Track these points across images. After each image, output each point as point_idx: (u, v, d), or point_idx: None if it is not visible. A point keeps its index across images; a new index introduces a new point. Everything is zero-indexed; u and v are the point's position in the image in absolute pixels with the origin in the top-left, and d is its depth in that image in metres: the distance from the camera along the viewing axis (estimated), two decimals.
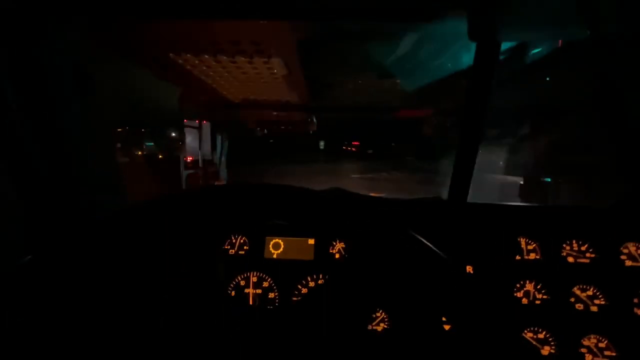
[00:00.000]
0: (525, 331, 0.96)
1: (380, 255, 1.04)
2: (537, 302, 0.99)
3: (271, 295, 1.04)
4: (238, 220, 1.12)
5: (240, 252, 1.10)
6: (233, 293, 1.05)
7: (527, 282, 1.01)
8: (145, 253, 1.00)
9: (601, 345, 0.92)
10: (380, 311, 1.02)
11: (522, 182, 2.84)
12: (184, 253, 1.05)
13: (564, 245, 1.04)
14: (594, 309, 0.96)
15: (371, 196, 1.15)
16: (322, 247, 1.09)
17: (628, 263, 0.99)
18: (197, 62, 2.52)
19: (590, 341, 0.93)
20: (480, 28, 1.04)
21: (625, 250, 1.00)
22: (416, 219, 1.11)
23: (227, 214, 1.13)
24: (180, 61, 2.45)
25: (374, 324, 1.02)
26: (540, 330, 0.95)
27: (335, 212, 1.10)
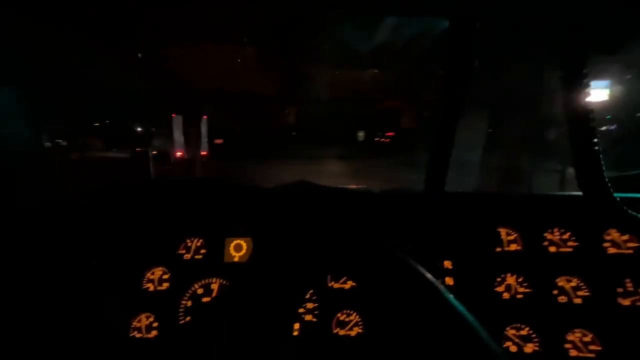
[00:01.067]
0: (508, 329, 0.89)
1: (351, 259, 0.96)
2: (519, 296, 0.93)
3: (232, 304, 0.94)
4: (193, 221, 1.01)
5: (196, 257, 0.98)
6: (190, 303, 0.94)
7: (509, 275, 0.94)
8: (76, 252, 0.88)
9: (586, 339, 0.86)
10: (354, 314, 0.94)
11: None
12: (132, 257, 0.94)
13: (545, 235, 0.98)
14: (578, 301, 0.90)
15: (340, 188, 1.06)
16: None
17: (611, 250, 0.94)
18: (169, 51, 2.34)
19: (574, 335, 0.87)
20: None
21: (608, 237, 0.95)
22: (391, 212, 1.02)
23: (181, 213, 1.02)
24: (150, 51, 2.27)
25: (347, 328, 0.93)
26: (522, 326, 0.89)
27: (299, 207, 1.01)
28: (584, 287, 0.91)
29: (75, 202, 0.98)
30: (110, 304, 0.89)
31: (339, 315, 0.93)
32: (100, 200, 1.01)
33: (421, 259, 0.96)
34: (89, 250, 0.91)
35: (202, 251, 0.99)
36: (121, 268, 0.94)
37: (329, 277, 0.96)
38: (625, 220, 0.91)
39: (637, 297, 0.89)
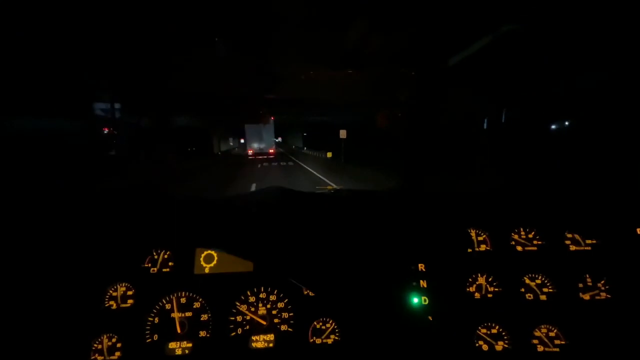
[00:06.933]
0: (480, 328, 0.91)
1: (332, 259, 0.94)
2: (489, 295, 0.95)
3: (203, 317, 0.90)
4: (160, 232, 0.95)
5: (164, 270, 0.93)
6: (157, 320, 0.88)
7: (479, 275, 0.97)
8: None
9: (551, 334, 0.90)
10: (330, 321, 0.92)
11: None
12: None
13: (513, 234, 1.01)
14: (543, 297, 0.94)
15: (312, 193, 1.04)
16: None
17: (572, 247, 0.99)
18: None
19: (541, 331, 0.90)
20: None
21: (570, 235, 1.00)
22: (368, 211, 1.02)
23: (146, 224, 0.96)
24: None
25: (323, 336, 0.92)
26: (493, 325, 0.91)
27: (274, 212, 0.98)
28: (548, 283, 0.95)
29: (28, 210, 0.90)
30: (69, 325, 0.82)
31: (315, 323, 0.92)
32: (58, 209, 0.93)
33: (396, 262, 0.96)
34: (43, 266, 0.83)
35: (170, 263, 0.94)
36: (80, 285, 0.87)
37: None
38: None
39: (596, 292, 0.94)
